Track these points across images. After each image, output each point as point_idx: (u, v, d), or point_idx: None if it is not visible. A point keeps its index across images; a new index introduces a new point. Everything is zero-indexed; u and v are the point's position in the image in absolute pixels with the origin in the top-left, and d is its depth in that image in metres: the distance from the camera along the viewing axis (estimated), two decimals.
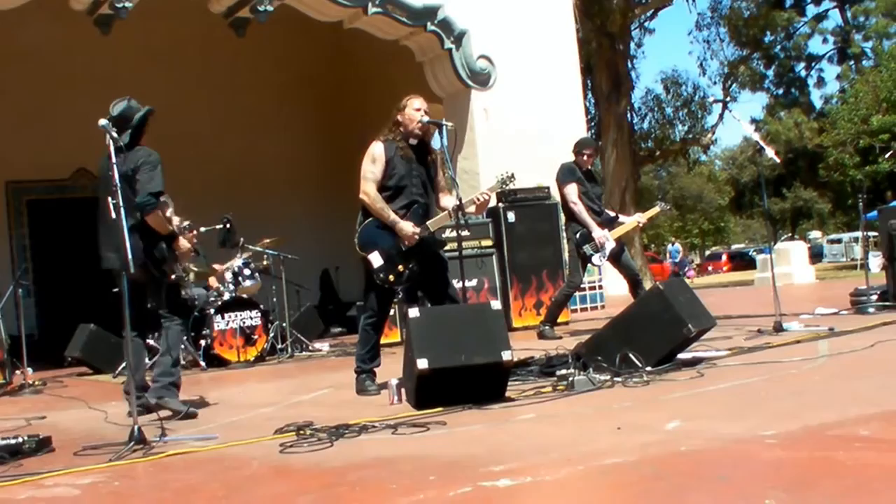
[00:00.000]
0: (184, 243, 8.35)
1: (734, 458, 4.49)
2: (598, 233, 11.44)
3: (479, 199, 8.03)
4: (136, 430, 6.15)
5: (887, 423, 4.88)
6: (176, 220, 9.00)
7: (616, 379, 7.19)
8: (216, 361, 12.09)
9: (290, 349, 12.91)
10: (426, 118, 7.95)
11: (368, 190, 7.86)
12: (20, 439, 6.33)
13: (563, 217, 12.30)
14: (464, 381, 6.71)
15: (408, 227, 7.80)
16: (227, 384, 10.10)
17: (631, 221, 12.17)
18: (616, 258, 11.67)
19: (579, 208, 11.53)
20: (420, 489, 4.36)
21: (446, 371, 6.65)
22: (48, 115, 18.24)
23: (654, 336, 7.67)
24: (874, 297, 11.45)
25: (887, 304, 11.26)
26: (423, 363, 6.60)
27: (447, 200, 8.08)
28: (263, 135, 20.94)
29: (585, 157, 11.92)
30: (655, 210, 12.64)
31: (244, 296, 12.67)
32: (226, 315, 12.24)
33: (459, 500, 4.15)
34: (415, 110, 7.90)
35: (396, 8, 16.11)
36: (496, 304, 7.16)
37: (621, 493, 4.19)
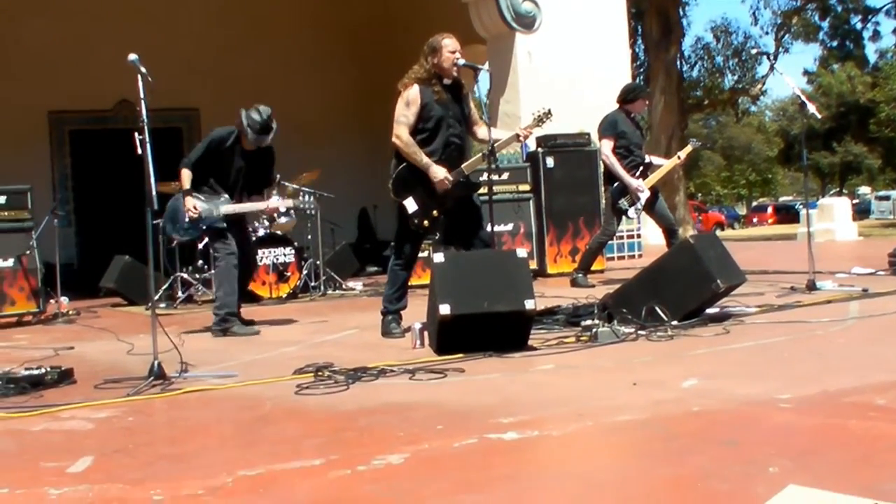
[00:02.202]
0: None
1: (745, 421, 4.44)
2: (633, 184, 11.33)
3: (516, 139, 8.01)
4: (156, 364, 6.20)
5: None
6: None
7: (640, 332, 7.15)
8: (248, 297, 12.08)
9: (322, 287, 12.93)
10: (461, 60, 7.86)
11: (401, 133, 7.80)
12: (43, 370, 6.40)
13: (601, 164, 12.19)
14: (486, 328, 6.69)
15: (440, 171, 7.75)
16: (256, 320, 10.12)
17: (668, 164, 12.00)
18: (650, 206, 11.56)
19: (611, 161, 11.42)
20: (425, 438, 4.34)
21: (468, 317, 6.63)
22: (91, 45, 18.27)
23: (682, 290, 7.60)
24: None
25: None
26: (445, 308, 6.58)
27: (482, 131, 8.02)
28: (302, 74, 20.87)
29: (637, 104, 11.81)
30: (689, 149, 12.44)
31: (278, 232, 12.68)
32: (259, 251, 12.25)
33: (462, 451, 4.13)
34: (450, 53, 7.80)
35: None
36: (522, 252, 7.08)
37: (624, 452, 4.16)
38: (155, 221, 10.47)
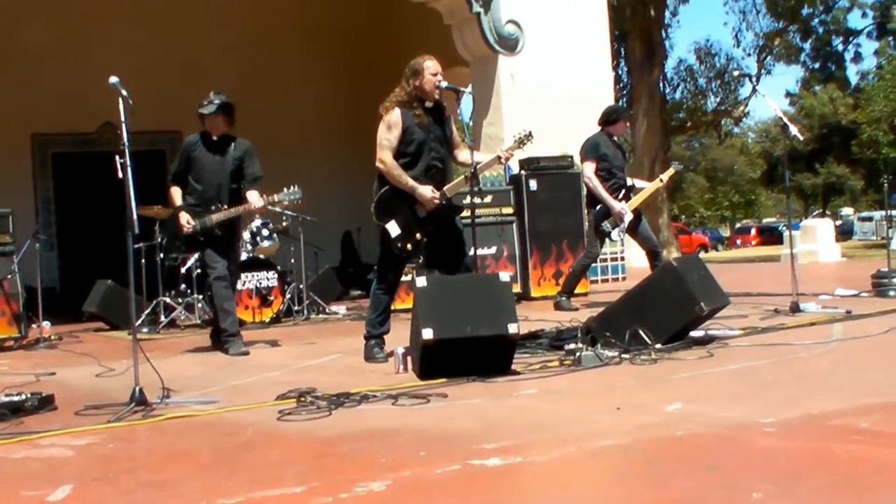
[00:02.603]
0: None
1: (729, 445, 4.43)
2: (616, 206, 11.34)
3: (498, 161, 8.02)
4: (137, 390, 6.15)
5: (888, 414, 4.81)
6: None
7: (624, 356, 7.13)
8: None
9: (306, 311, 12.90)
10: (444, 83, 7.86)
11: (384, 157, 7.79)
12: (23, 396, 6.34)
13: (585, 188, 12.20)
14: (469, 353, 6.67)
15: (427, 191, 7.74)
16: None
17: (651, 186, 12.01)
18: (634, 229, 11.58)
19: (593, 184, 11.44)
20: (408, 465, 4.32)
21: (451, 342, 6.61)
22: (75, 68, 18.19)
23: (666, 313, 7.59)
24: (895, 280, 11.30)
25: None
26: (428, 333, 6.57)
27: (463, 154, 8.04)
28: (289, 95, 20.88)
29: (619, 126, 11.85)
30: (671, 171, 12.46)
31: (262, 256, 12.66)
32: (243, 275, 12.22)
33: (445, 478, 4.11)
34: (432, 75, 7.80)
35: None
36: (504, 276, 7.08)
37: (606, 477, 4.15)
38: (153, 242, 10.72)
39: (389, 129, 7.81)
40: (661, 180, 12.08)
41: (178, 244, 9.63)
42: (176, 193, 9.36)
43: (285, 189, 9.39)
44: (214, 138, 9.34)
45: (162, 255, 12.16)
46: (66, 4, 18.63)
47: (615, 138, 11.88)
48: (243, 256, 12.41)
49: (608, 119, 11.83)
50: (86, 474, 4.57)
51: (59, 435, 5.46)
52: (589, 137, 11.78)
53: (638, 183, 11.99)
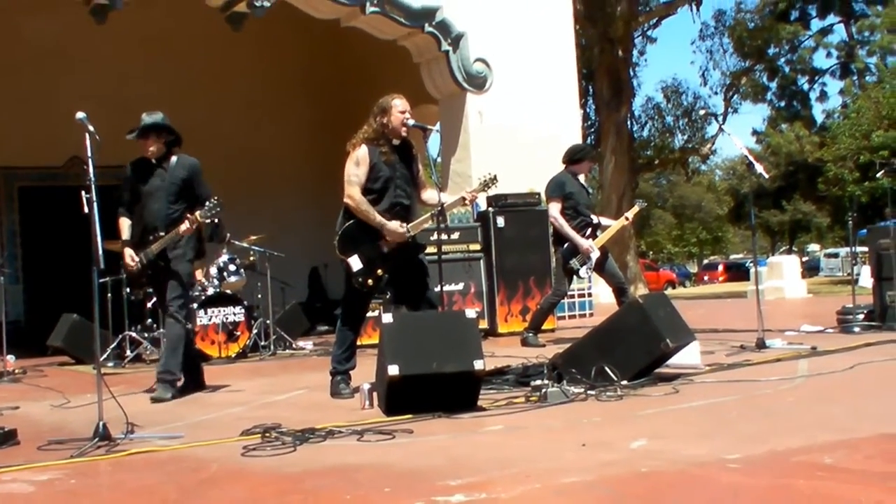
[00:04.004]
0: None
1: (694, 482, 4.43)
2: (583, 244, 11.38)
3: (461, 203, 8.06)
4: (100, 426, 6.10)
5: (853, 450, 4.83)
6: None
7: (590, 392, 7.13)
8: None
9: (272, 347, 12.87)
10: (411, 121, 7.89)
11: (353, 193, 7.80)
12: None
13: (551, 226, 12.23)
14: (435, 389, 6.65)
15: (395, 225, 7.75)
16: (205, 380, 10.03)
17: (616, 224, 12.05)
18: (600, 266, 11.62)
19: (560, 223, 11.49)
20: (372, 501, 4.31)
21: (417, 378, 6.60)
22: (42, 101, 18.12)
23: (632, 350, 7.60)
24: (860, 317, 11.38)
25: (873, 323, 11.21)
26: (394, 369, 6.55)
27: (427, 194, 8.08)
28: (256, 131, 20.86)
29: (583, 165, 11.92)
30: (636, 209, 12.52)
31: (228, 291, 12.62)
32: (209, 310, 12.20)
33: None
34: (399, 112, 7.83)
35: (394, 8, 16.02)
36: (471, 312, 7.08)
37: None
38: (119, 277, 10.28)
39: (357, 165, 7.82)
40: (627, 218, 12.12)
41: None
42: (123, 225, 8.85)
43: (207, 203, 8.58)
44: (153, 161, 8.74)
45: (128, 290, 12.08)
46: (35, 38, 18.56)
47: (580, 177, 11.94)
48: (210, 291, 12.39)
49: (572, 158, 11.90)
50: None
51: (21, 470, 5.41)
52: (554, 177, 11.84)
53: (603, 221, 12.04)
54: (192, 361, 9.08)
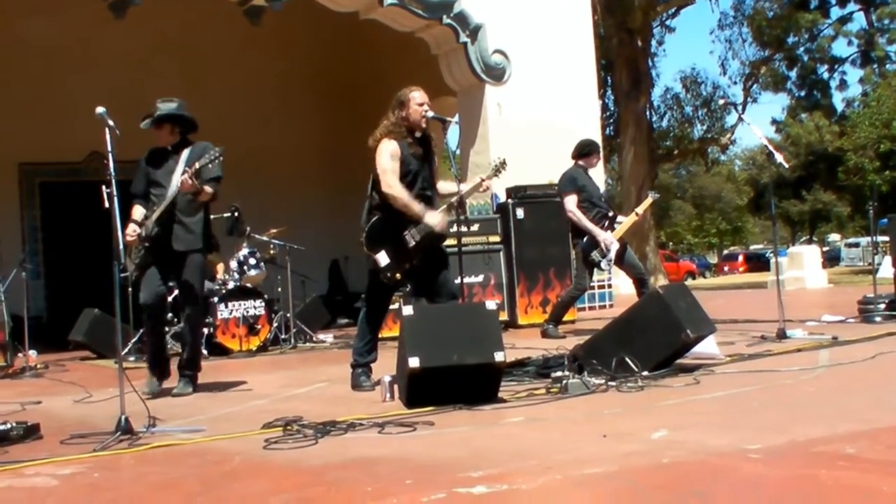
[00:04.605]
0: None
1: (715, 472, 4.43)
2: (602, 236, 11.38)
3: (478, 188, 8.07)
4: (123, 419, 6.12)
5: (874, 441, 4.81)
6: None
7: (611, 383, 7.12)
8: (218, 350, 12.08)
9: (293, 340, 12.89)
10: (430, 113, 7.87)
11: (393, 184, 7.70)
12: (8, 425, 6.31)
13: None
14: (456, 381, 6.65)
15: (436, 216, 7.77)
16: (226, 374, 10.07)
17: (628, 219, 12.03)
18: (620, 258, 11.60)
19: (577, 216, 11.49)
20: (394, 493, 4.31)
21: (438, 370, 6.60)
22: (62, 97, 18.19)
23: (652, 340, 7.58)
24: (882, 307, 11.33)
25: (894, 313, 11.16)
26: (414, 362, 6.55)
27: (442, 186, 8.10)
28: (274, 124, 20.92)
29: (592, 158, 11.91)
30: (648, 201, 12.53)
31: (249, 285, 12.64)
32: (229, 304, 12.22)
33: None
34: (418, 105, 7.81)
35: (413, 0, 16.04)
36: (491, 304, 7.07)
37: None
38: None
39: (392, 157, 7.76)
40: (637, 214, 12.09)
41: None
42: (135, 211, 8.41)
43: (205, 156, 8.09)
44: (168, 148, 8.43)
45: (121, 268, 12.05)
46: (55, 34, 18.62)
47: (589, 171, 11.94)
48: (231, 285, 12.41)
49: (581, 152, 11.93)
50: (70, 503, 4.56)
51: (44, 464, 5.44)
52: (564, 172, 11.86)
53: (619, 217, 12.06)
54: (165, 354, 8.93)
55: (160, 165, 8.42)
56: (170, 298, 11.96)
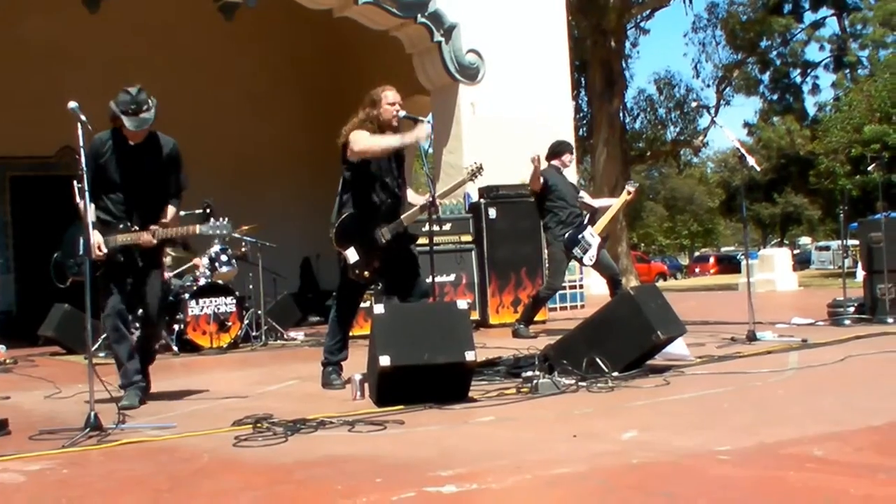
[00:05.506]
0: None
1: (684, 473, 4.44)
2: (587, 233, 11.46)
3: (447, 194, 8.09)
4: (92, 416, 6.09)
5: (843, 443, 4.84)
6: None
7: (581, 383, 7.13)
8: (189, 346, 12.05)
9: (264, 337, 12.87)
10: (402, 113, 7.86)
11: (359, 138, 7.66)
12: None
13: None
14: (426, 380, 6.66)
15: (419, 129, 7.71)
16: (196, 371, 10.04)
17: (618, 201, 12.06)
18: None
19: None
20: (363, 492, 4.30)
21: (408, 369, 6.60)
22: (34, 91, 18.10)
23: (623, 341, 7.60)
24: (851, 310, 11.41)
25: (863, 316, 11.24)
26: (385, 360, 6.55)
27: (411, 196, 8.06)
28: (248, 121, 20.85)
29: (564, 157, 11.95)
30: (627, 191, 12.45)
31: (220, 282, 12.61)
32: (200, 300, 12.19)
33: None
34: (389, 104, 7.80)
35: None
36: (462, 303, 7.08)
37: None
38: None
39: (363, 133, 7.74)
40: (629, 192, 12.04)
41: (73, 265, 8.05)
42: (90, 211, 6.99)
43: (212, 220, 7.66)
44: (131, 143, 7.55)
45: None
46: (27, 28, 18.52)
47: (563, 172, 11.99)
48: (202, 281, 12.37)
49: (553, 152, 12.01)
50: (38, 500, 4.53)
51: (12, 460, 5.41)
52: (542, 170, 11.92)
53: (605, 202, 12.10)
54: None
55: (116, 162, 7.53)
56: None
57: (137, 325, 9.35)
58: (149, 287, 7.73)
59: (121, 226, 7.50)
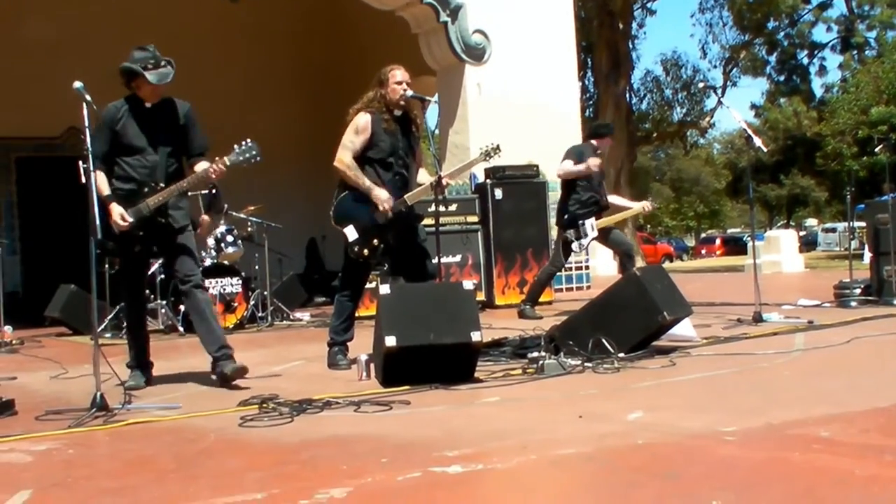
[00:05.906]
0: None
1: (690, 454, 4.44)
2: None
3: (459, 172, 8.07)
4: (98, 396, 6.10)
5: (848, 424, 4.84)
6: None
7: (587, 364, 7.14)
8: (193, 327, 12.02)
9: (269, 318, 12.87)
10: (409, 92, 7.86)
11: (343, 157, 7.80)
12: None
13: (550, 196, 12.19)
14: (432, 361, 6.66)
15: (383, 194, 7.72)
16: (202, 351, 10.02)
17: (633, 209, 12.07)
18: (605, 237, 11.59)
19: (564, 171, 11.47)
20: (369, 472, 4.31)
21: (414, 349, 6.60)
22: (39, 72, 18.08)
23: (629, 322, 7.61)
24: (857, 291, 11.41)
25: (870, 298, 11.23)
26: (391, 340, 6.56)
27: (423, 176, 8.04)
28: (254, 102, 20.83)
29: (605, 140, 11.85)
30: (645, 206, 12.34)
31: (226, 262, 12.61)
32: (206, 281, 12.13)
33: (406, 485, 4.10)
34: (396, 83, 7.80)
35: None
36: (468, 284, 7.07)
37: (568, 486, 4.15)
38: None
39: (357, 133, 7.80)
40: (646, 208, 12.05)
41: (110, 246, 7.46)
42: (102, 181, 7.16)
43: (236, 147, 7.55)
44: (147, 105, 7.46)
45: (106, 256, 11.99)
46: (32, 10, 18.50)
47: (598, 153, 11.92)
48: (207, 262, 12.36)
49: (596, 132, 11.94)
50: (45, 480, 4.54)
51: (19, 440, 5.42)
52: (575, 145, 11.84)
53: (621, 201, 12.09)
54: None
55: (133, 127, 7.37)
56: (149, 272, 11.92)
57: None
58: (179, 249, 7.50)
59: (146, 189, 7.29)
